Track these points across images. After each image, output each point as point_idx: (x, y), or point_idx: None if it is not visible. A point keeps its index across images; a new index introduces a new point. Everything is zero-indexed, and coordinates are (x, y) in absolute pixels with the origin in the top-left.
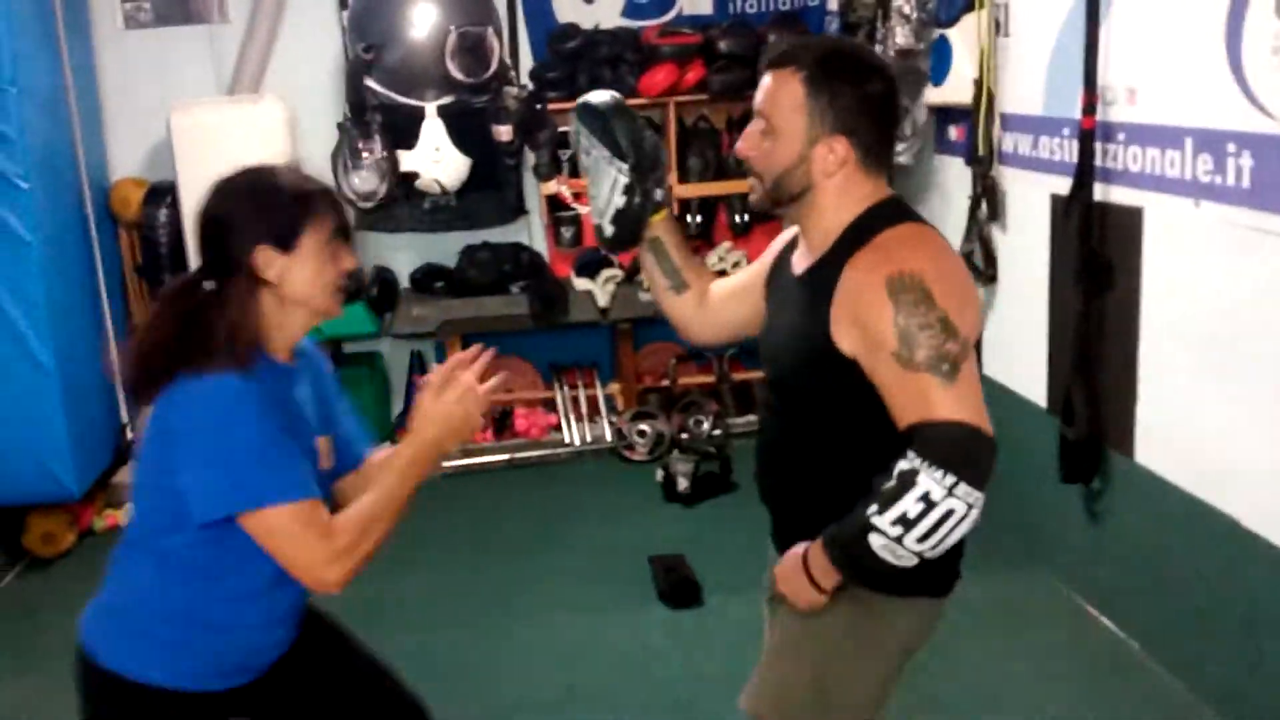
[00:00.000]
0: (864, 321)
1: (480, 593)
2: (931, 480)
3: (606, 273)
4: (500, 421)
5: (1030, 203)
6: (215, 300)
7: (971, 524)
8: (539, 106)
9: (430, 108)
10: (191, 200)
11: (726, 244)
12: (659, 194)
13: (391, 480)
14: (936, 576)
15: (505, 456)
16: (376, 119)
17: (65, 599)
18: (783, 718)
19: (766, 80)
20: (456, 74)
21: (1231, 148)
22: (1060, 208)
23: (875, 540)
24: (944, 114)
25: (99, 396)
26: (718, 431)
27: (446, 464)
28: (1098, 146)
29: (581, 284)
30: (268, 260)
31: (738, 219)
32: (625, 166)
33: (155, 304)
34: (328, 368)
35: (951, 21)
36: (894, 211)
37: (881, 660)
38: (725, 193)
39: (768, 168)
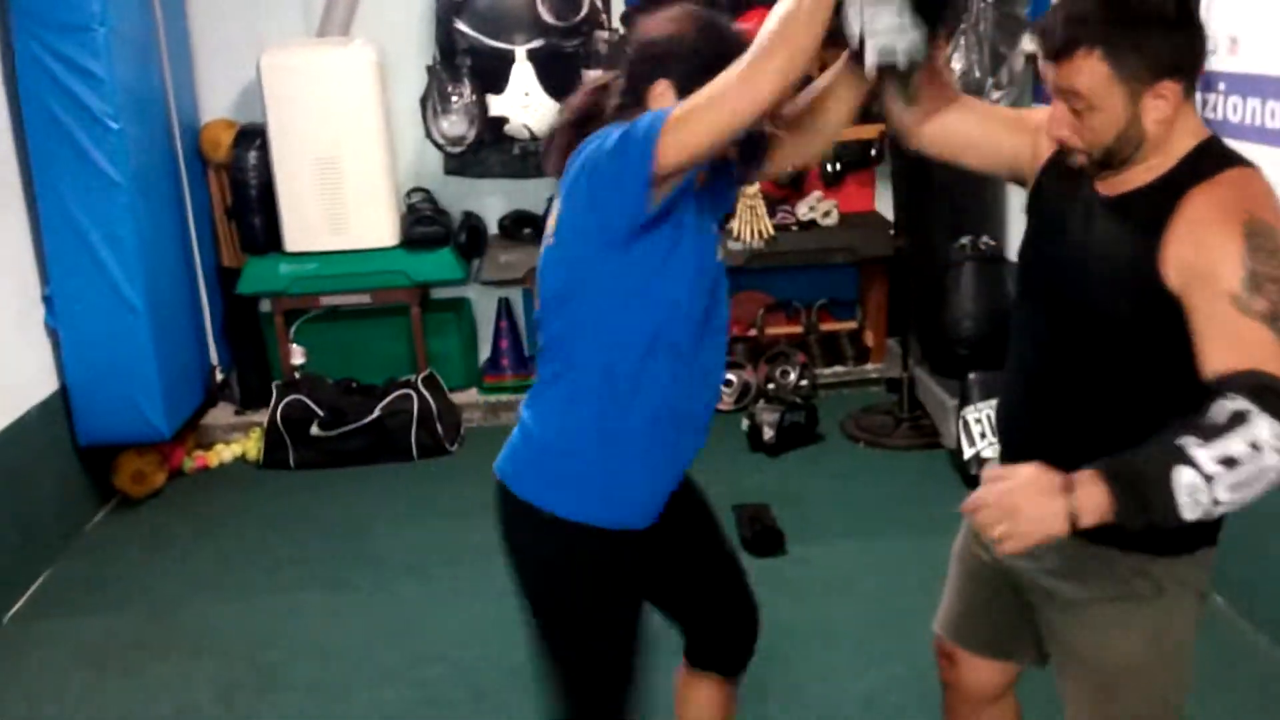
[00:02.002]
0: (1205, 255)
1: None
2: (1267, 427)
3: None
4: None
5: None
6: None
7: (1274, 483)
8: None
9: (520, 51)
10: (281, 142)
11: (817, 193)
12: (929, 49)
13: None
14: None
15: None
16: (466, 62)
17: (155, 537)
18: None
19: (1054, 68)
20: (547, 17)
21: None
22: None
23: (1184, 476)
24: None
25: (189, 338)
26: (804, 382)
27: None
28: (1197, 96)
29: None
30: (663, 92)
31: (829, 169)
32: (923, 28)
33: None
34: None
35: None
36: (1225, 149)
37: (1191, 627)
38: None
39: (1095, 141)
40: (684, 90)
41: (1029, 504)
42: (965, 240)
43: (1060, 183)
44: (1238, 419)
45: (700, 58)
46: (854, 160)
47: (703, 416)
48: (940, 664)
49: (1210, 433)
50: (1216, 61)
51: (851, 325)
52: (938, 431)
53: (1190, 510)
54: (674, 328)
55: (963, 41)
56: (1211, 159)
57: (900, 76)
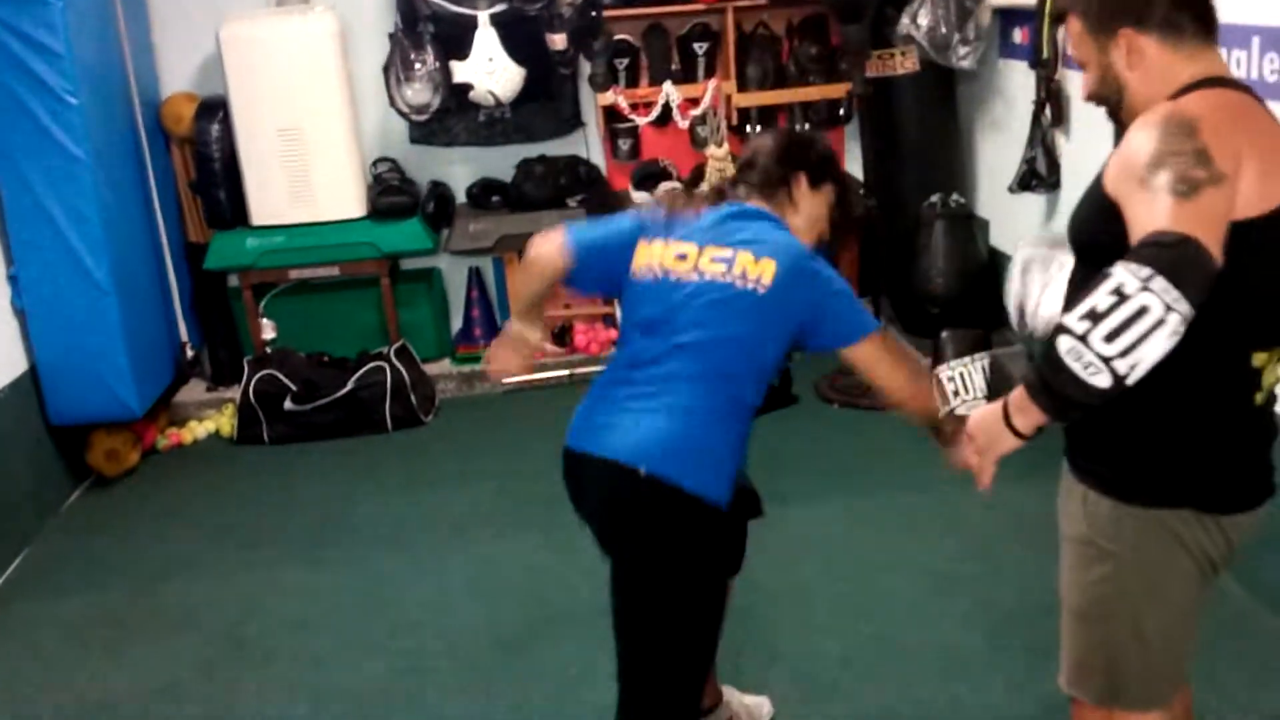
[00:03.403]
0: (1125, 153)
1: (542, 503)
2: (1126, 273)
3: (665, 185)
4: (560, 336)
5: (1094, 107)
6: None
7: (1172, 333)
8: (594, 14)
9: (483, 16)
10: (243, 115)
11: None
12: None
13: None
14: (1200, 485)
15: (565, 372)
16: (428, 29)
17: (131, 516)
18: (1107, 678)
19: (1061, 31)
20: None
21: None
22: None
23: (1063, 343)
24: (1008, 16)
25: (158, 315)
26: None
27: (506, 380)
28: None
29: (640, 196)
30: (801, 184)
31: (798, 127)
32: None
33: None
34: None
35: None
36: (1214, 80)
37: (1178, 587)
38: (785, 101)
39: (1093, 94)
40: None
41: (982, 431)
42: (935, 198)
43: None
44: (1103, 277)
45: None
46: (822, 119)
47: None
48: None
49: (1079, 297)
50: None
51: None
52: None
53: (1086, 373)
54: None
55: None
56: (1187, 89)
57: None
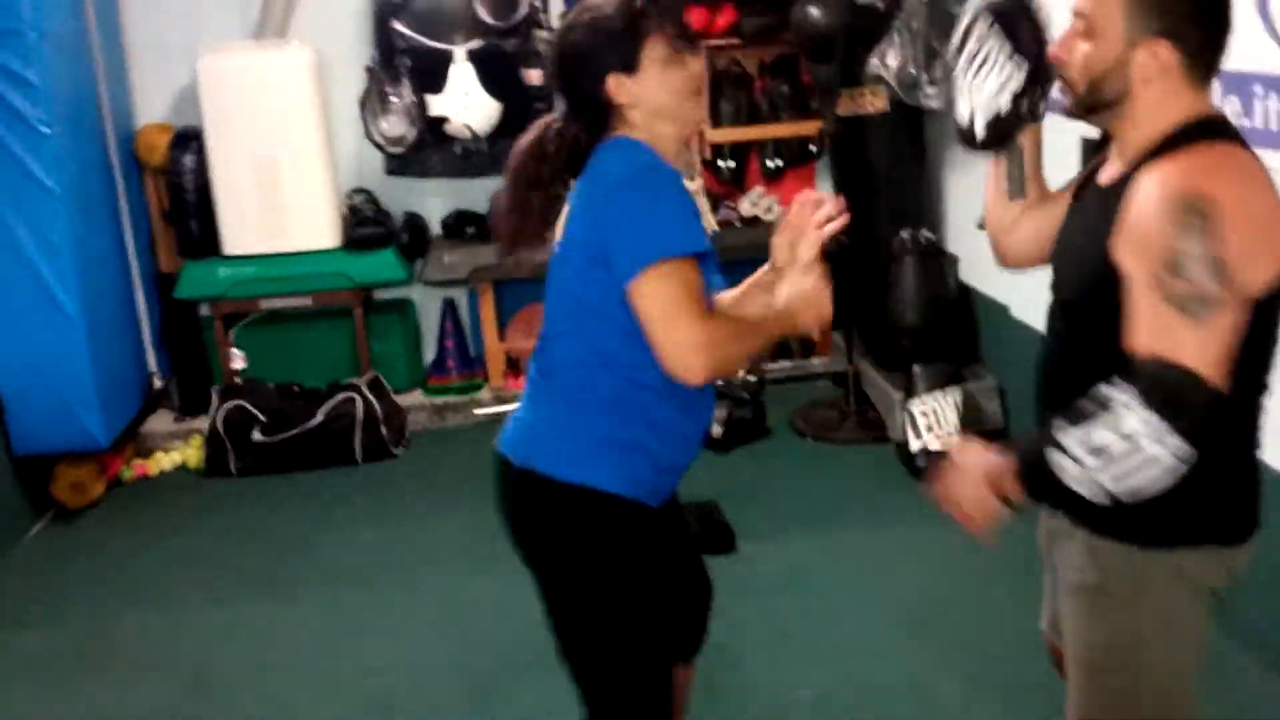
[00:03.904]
0: (1140, 229)
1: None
2: (1139, 421)
3: None
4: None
5: (1060, 147)
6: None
7: (1175, 472)
8: None
9: (459, 51)
10: (219, 146)
11: (759, 189)
12: (1042, 107)
13: (759, 319)
14: (1219, 519)
15: None
16: (405, 63)
17: (94, 549)
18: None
19: None
20: (485, 17)
21: (1259, 90)
22: (1090, 151)
23: (1069, 467)
24: None
25: (126, 345)
26: (751, 377)
27: (479, 411)
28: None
29: None
30: (618, 85)
31: (770, 164)
32: (1026, 67)
33: (525, 138)
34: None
35: None
36: (1215, 128)
37: (1194, 628)
38: (758, 138)
39: (1083, 71)
40: (628, 69)
41: (968, 492)
42: (905, 234)
43: (1085, 187)
44: (1103, 406)
45: (626, 35)
46: (795, 156)
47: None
48: (1052, 657)
49: (1078, 417)
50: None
51: None
52: (884, 424)
53: (1087, 491)
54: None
55: (897, 39)
56: (1187, 135)
57: (1012, 158)
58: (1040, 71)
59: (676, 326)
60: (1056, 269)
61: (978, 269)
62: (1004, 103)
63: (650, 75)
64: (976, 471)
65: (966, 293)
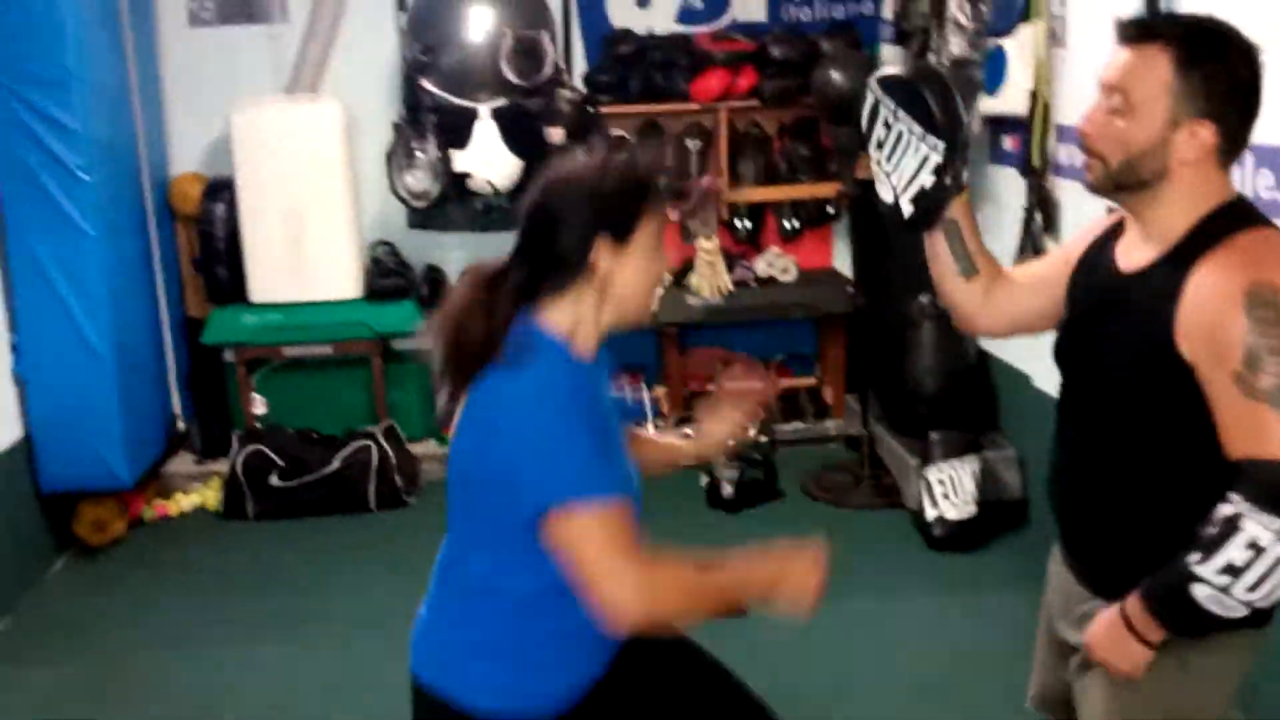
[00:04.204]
0: (1211, 329)
1: None
2: (1259, 526)
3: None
4: None
5: (1085, 215)
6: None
7: None
8: (592, 110)
9: (484, 109)
10: (249, 195)
11: (775, 249)
12: (964, 174)
13: (723, 578)
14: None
15: None
16: (431, 119)
17: (113, 587)
18: None
19: (1124, 55)
20: (511, 76)
21: None
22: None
23: (1199, 591)
24: (999, 124)
25: (152, 387)
26: (764, 439)
27: None
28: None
29: None
30: (605, 251)
31: (787, 225)
32: (940, 145)
33: (463, 288)
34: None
35: (1007, 31)
36: (1248, 212)
37: (1216, 703)
38: (776, 199)
39: (1117, 148)
40: (620, 238)
41: (1116, 645)
42: (924, 299)
43: (1092, 268)
44: (1230, 526)
45: (626, 202)
46: (812, 217)
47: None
48: None
49: (1209, 546)
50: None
51: (810, 381)
52: (899, 491)
53: (1228, 612)
54: None
55: None
56: (1225, 220)
57: (951, 235)
58: (956, 141)
59: (609, 572)
60: (1080, 361)
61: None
62: (926, 180)
63: (637, 253)
64: (1117, 635)
65: (986, 360)
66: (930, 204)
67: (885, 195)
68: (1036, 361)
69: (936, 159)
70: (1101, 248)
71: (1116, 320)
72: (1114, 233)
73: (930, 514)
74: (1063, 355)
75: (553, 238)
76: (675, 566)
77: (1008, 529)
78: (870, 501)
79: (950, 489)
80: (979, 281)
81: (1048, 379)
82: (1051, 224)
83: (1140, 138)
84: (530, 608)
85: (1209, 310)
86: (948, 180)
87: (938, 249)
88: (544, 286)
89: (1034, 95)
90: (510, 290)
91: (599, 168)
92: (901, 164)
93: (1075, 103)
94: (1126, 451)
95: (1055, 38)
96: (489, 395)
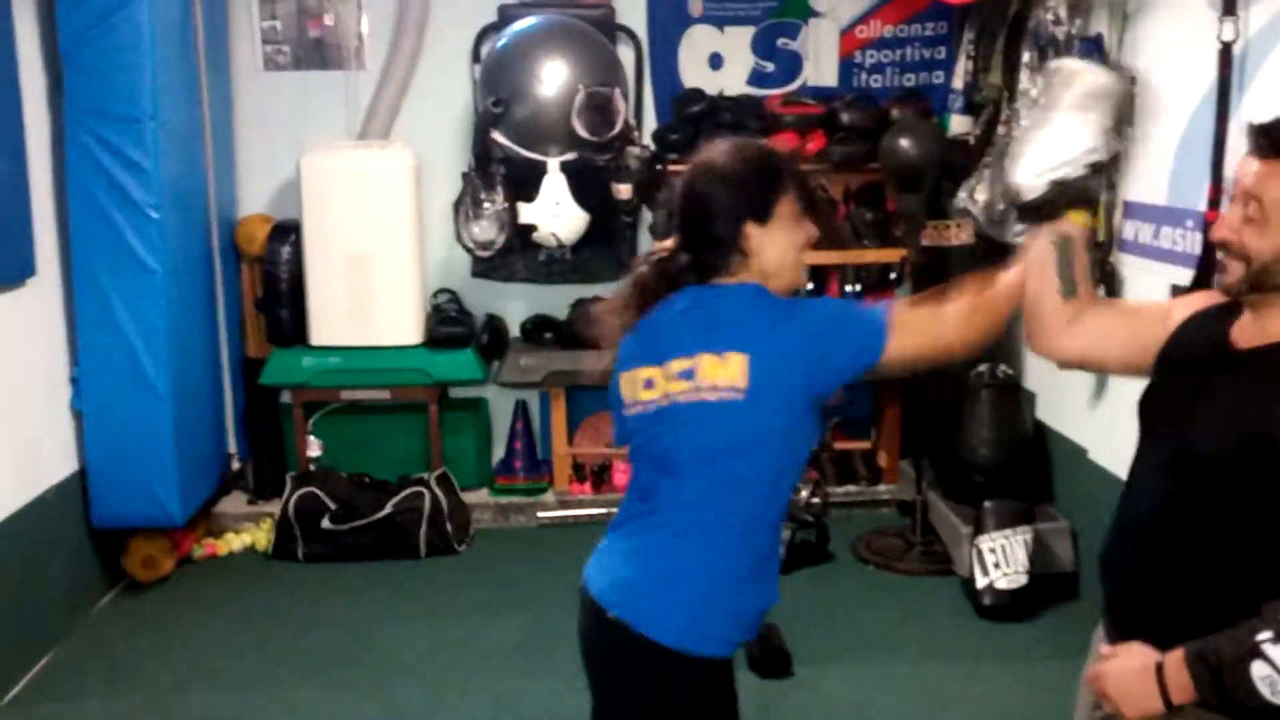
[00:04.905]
0: None
1: (572, 642)
2: None
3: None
4: (599, 475)
5: (1149, 292)
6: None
7: None
8: (660, 167)
9: (553, 163)
10: (315, 239)
11: None
12: (1097, 193)
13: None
14: None
15: (603, 510)
16: (500, 170)
17: (160, 623)
18: None
19: (1256, 166)
20: (581, 131)
21: None
22: (1176, 294)
23: (1259, 669)
24: None
25: (209, 426)
26: (816, 500)
27: (543, 514)
28: None
29: None
30: (751, 232)
31: (849, 289)
32: (1114, 147)
33: (644, 268)
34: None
35: None
36: None
37: None
38: (840, 262)
39: (1256, 254)
40: (761, 219)
41: (1128, 685)
42: (983, 368)
43: (1198, 336)
44: None
45: (765, 189)
46: (874, 282)
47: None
48: None
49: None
50: None
51: (865, 445)
52: (950, 558)
53: (1273, 696)
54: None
55: (986, 174)
56: None
57: (1063, 252)
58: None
59: (942, 313)
60: (1177, 432)
61: (1055, 406)
62: (1074, 171)
63: (779, 229)
64: (1141, 683)
65: (1042, 431)
66: (1066, 197)
67: (1024, 171)
68: (1094, 436)
69: (1100, 157)
70: (1207, 322)
71: (1220, 396)
72: (1224, 312)
73: (981, 582)
74: (1156, 420)
75: (706, 224)
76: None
77: (1058, 600)
78: (920, 567)
79: (1002, 558)
80: (1074, 305)
81: (1103, 453)
82: (1114, 297)
83: (1275, 245)
84: (746, 549)
85: None
86: (1095, 182)
87: (1044, 261)
88: (711, 264)
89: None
90: (683, 267)
91: (735, 157)
92: (1052, 145)
93: (1144, 180)
94: (1211, 530)
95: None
96: (739, 316)
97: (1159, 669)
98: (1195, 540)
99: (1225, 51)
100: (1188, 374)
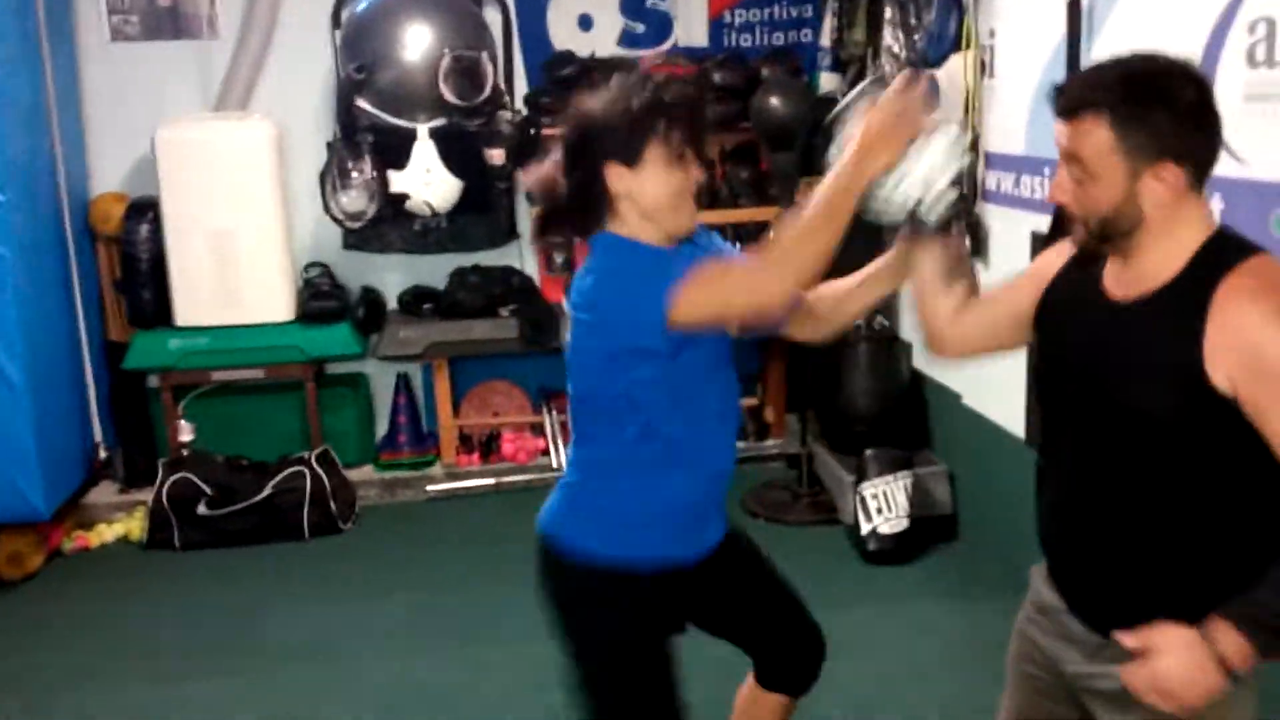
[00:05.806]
0: (1256, 353)
1: (464, 617)
2: None
3: None
4: (487, 445)
5: (1012, 240)
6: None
7: None
8: (533, 131)
9: (422, 129)
10: (175, 216)
11: None
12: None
13: (823, 192)
14: None
15: (492, 481)
16: (367, 139)
17: (31, 622)
18: None
19: (1063, 129)
20: (450, 96)
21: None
22: (1040, 246)
23: None
24: None
25: (71, 414)
26: None
27: (431, 488)
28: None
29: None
30: (617, 175)
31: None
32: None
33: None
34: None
35: (940, 61)
36: (1237, 238)
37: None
38: (717, 222)
39: (1090, 212)
40: (629, 162)
41: (1182, 676)
42: (860, 321)
43: (1070, 293)
44: None
45: (632, 131)
46: (752, 240)
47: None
48: None
49: None
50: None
51: (752, 401)
52: (836, 507)
53: None
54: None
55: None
56: (1227, 249)
57: (948, 244)
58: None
59: (735, 281)
60: (1079, 392)
61: (931, 356)
62: (950, 190)
63: (650, 172)
64: (1198, 667)
65: (919, 379)
66: (952, 209)
67: (909, 193)
68: (966, 381)
69: (958, 165)
70: (1073, 276)
71: (1127, 348)
72: (1088, 261)
73: (865, 528)
74: (1053, 385)
75: (570, 170)
76: (778, 238)
77: (939, 541)
78: (807, 518)
79: (884, 503)
80: (956, 296)
81: (976, 397)
82: (979, 249)
83: (1107, 199)
84: (639, 461)
85: (1251, 335)
86: (963, 189)
87: (927, 262)
88: (582, 210)
89: (963, 123)
90: (573, 219)
91: (604, 99)
92: (931, 160)
93: (1003, 131)
94: (1148, 486)
95: (984, 67)
96: (598, 248)
97: (1214, 650)
98: (1134, 493)
99: (1074, 3)
100: (1072, 331)
